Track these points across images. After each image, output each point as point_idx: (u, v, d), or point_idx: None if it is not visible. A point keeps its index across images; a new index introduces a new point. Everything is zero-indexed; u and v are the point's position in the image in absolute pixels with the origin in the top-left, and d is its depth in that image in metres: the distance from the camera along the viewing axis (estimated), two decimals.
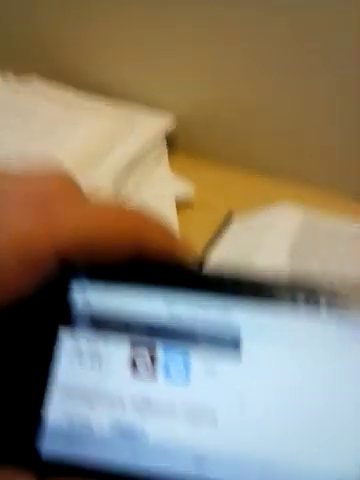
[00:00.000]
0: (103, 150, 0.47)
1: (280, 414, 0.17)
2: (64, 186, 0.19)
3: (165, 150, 0.53)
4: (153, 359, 0.18)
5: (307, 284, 0.18)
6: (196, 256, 0.20)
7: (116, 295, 0.19)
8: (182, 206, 0.49)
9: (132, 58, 0.57)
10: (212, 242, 0.44)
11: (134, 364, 0.18)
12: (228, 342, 0.18)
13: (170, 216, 0.45)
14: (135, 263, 0.19)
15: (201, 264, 0.20)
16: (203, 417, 0.17)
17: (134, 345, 0.18)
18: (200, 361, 0.18)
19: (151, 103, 0.57)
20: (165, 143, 0.54)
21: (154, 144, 0.51)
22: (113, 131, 0.50)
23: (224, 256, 0.41)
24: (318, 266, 0.39)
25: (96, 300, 0.19)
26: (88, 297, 0.18)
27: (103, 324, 0.18)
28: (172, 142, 0.57)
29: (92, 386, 0.18)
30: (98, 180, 0.43)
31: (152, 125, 0.52)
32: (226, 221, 0.47)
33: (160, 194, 0.47)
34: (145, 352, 0.18)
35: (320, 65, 0.49)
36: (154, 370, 0.18)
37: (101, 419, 0.17)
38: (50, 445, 0.17)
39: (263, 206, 0.48)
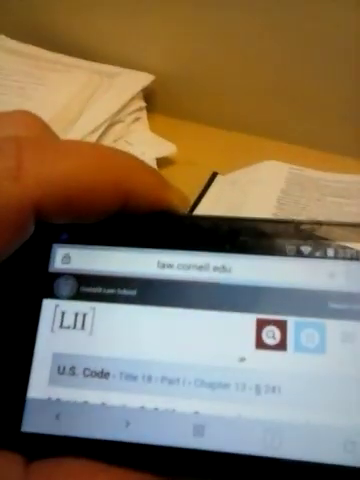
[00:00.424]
0: (77, 107, 0.45)
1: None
2: (31, 125, 0.16)
3: (144, 109, 0.51)
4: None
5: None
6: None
7: (103, 256, 0.17)
8: (164, 165, 0.48)
9: (109, 17, 0.55)
10: (197, 200, 0.43)
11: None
12: (223, 298, 0.16)
13: None
14: (122, 216, 0.16)
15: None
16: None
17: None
18: (196, 320, 0.16)
19: (129, 63, 0.55)
20: (144, 102, 0.52)
21: (132, 102, 0.49)
22: (88, 87, 0.48)
23: (208, 210, 0.40)
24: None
25: (81, 263, 0.17)
26: (72, 261, 0.17)
27: (90, 289, 0.17)
28: (152, 102, 0.56)
29: (80, 356, 0.16)
30: (76, 135, 0.41)
31: (130, 83, 0.50)
32: (211, 179, 0.45)
33: (139, 153, 0.45)
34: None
35: (307, 23, 0.47)
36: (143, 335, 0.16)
37: (91, 390, 0.16)
38: (37, 425, 0.16)
39: (248, 164, 0.46)
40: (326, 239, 0.16)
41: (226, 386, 0.16)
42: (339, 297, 0.16)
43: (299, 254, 0.16)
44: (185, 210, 0.18)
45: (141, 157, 0.47)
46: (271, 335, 0.16)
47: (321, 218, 0.38)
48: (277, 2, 0.47)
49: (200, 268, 0.16)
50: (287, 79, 0.52)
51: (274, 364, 0.16)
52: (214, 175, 0.46)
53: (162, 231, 0.17)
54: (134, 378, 0.16)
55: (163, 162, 0.48)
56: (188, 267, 0.17)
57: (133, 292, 0.17)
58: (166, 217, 0.17)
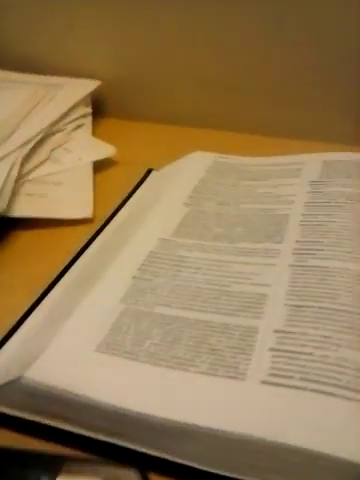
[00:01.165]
0: (16, 120, 0.47)
1: None
2: None
3: (89, 115, 0.54)
4: None
5: None
6: None
7: None
8: (105, 167, 0.50)
9: (51, 28, 0.58)
10: (127, 197, 0.44)
11: None
12: None
13: (86, 180, 0.46)
14: None
15: None
16: None
17: None
18: None
19: (76, 72, 0.57)
20: (90, 108, 0.55)
21: (76, 110, 0.52)
22: (31, 101, 0.50)
23: (134, 207, 0.42)
24: (214, 209, 0.39)
25: None
26: None
27: None
28: (101, 107, 0.58)
29: None
30: (8, 148, 0.44)
31: (73, 91, 0.53)
32: (145, 176, 0.47)
33: (76, 159, 0.47)
34: None
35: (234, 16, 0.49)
36: None
37: None
38: None
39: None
40: None
41: None
42: None
43: None
44: None
45: (77, 163, 0.49)
46: None
47: (230, 201, 0.39)
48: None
49: None
50: (224, 69, 0.53)
51: None
52: (149, 172, 0.47)
53: None
54: None
55: (104, 164, 0.50)
56: None
57: None
58: None
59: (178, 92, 0.56)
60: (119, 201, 0.44)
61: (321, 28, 0.47)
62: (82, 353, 0.27)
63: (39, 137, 0.47)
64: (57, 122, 0.50)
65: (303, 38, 0.48)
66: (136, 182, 0.46)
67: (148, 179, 0.46)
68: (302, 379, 0.25)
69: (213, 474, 0.24)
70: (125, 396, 0.25)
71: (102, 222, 0.41)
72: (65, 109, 0.51)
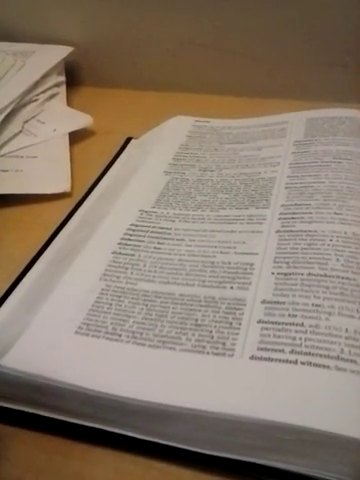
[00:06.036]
0: None
1: None
2: None
3: (63, 83, 0.51)
4: None
5: None
6: None
7: None
8: (82, 137, 0.48)
9: None
10: (108, 167, 0.43)
11: None
12: None
13: (62, 152, 0.44)
14: None
15: None
16: None
17: None
18: None
19: (47, 38, 0.55)
20: (64, 76, 0.53)
21: (48, 79, 0.49)
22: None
23: (113, 179, 0.40)
24: (196, 176, 0.37)
25: None
26: None
27: None
28: (76, 74, 0.56)
29: None
30: None
31: (44, 58, 0.51)
32: (124, 145, 0.45)
33: (50, 131, 0.45)
34: None
35: None
36: None
37: None
38: None
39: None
40: None
41: None
42: None
43: None
44: None
45: (52, 134, 0.47)
46: None
47: (213, 167, 0.37)
48: None
49: None
50: (200, 31, 0.51)
51: None
52: (128, 140, 0.45)
53: None
54: None
55: (81, 135, 0.48)
56: None
57: None
58: None
59: (155, 56, 0.54)
60: (98, 173, 0.42)
61: None
62: (61, 336, 0.26)
63: (10, 109, 0.45)
64: (29, 92, 0.47)
65: None
66: (115, 152, 0.44)
67: (127, 148, 0.44)
68: (293, 352, 0.23)
69: (206, 455, 0.23)
70: (108, 380, 0.24)
71: (81, 196, 0.39)
72: (37, 78, 0.48)
